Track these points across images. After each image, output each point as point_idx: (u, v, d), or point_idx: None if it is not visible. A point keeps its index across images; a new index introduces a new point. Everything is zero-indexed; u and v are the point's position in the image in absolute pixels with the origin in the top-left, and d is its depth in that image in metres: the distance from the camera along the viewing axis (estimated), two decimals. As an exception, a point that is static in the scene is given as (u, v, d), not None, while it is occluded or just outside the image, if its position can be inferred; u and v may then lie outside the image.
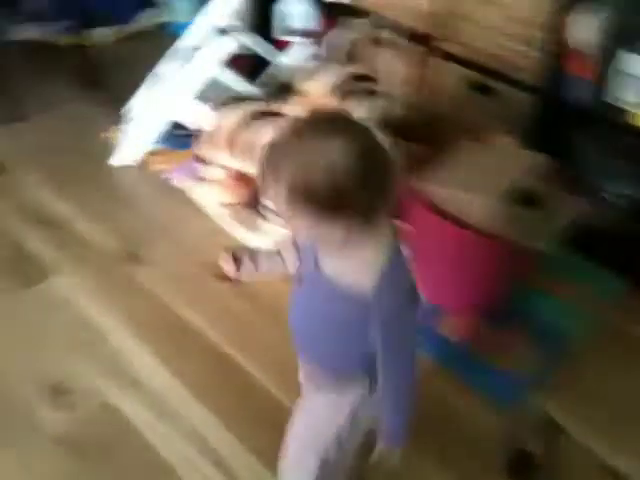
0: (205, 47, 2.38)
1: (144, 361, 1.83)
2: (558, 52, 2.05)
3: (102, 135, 2.63)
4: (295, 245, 1.18)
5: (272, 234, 2.11)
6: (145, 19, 3.39)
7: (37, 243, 2.18)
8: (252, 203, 2.21)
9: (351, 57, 2.39)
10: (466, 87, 2.27)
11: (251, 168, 2.09)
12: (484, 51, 2.19)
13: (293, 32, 2.65)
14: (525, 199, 1.77)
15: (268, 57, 2.55)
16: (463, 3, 2.20)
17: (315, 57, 2.48)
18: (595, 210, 1.96)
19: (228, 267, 1.24)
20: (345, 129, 0.94)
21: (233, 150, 2.11)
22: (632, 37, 1.88)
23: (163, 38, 2.88)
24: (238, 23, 2.53)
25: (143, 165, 2.53)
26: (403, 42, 2.29)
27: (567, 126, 2.11)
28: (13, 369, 1.79)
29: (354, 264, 1.03)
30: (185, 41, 2.54)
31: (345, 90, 2.02)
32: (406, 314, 1.06)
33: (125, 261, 2.14)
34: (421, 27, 2.29)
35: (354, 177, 0.90)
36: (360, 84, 2.04)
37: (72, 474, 1.57)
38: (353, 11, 2.46)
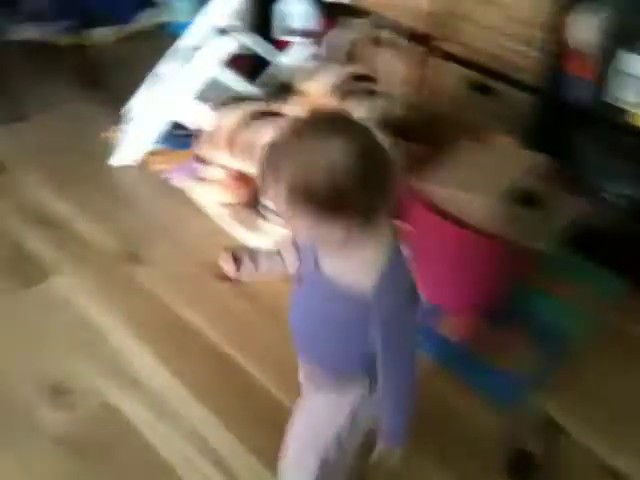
0: (205, 47, 2.38)
1: (144, 361, 1.83)
2: (558, 52, 2.05)
3: (102, 135, 2.63)
4: (295, 245, 1.18)
5: (272, 234, 2.11)
6: (145, 19, 3.39)
7: (37, 243, 2.18)
8: (252, 203, 2.20)
9: (351, 57, 2.39)
10: (466, 87, 2.27)
11: (251, 168, 2.09)
12: (484, 51, 2.19)
13: (293, 32, 2.65)
14: (525, 199, 1.77)
15: (268, 57, 2.55)
16: (463, 3, 2.20)
17: (315, 57, 2.47)
18: (595, 210, 1.96)
19: (228, 267, 1.24)
20: (345, 129, 0.94)
21: (233, 150, 2.11)
22: (632, 37, 1.88)
23: (163, 38, 2.88)
24: (238, 23, 2.53)
25: (143, 165, 2.53)
26: (403, 42, 2.29)
27: (567, 126, 2.11)
28: (13, 369, 1.79)
29: (354, 264, 1.03)
30: (185, 41, 2.54)
31: (345, 90, 2.02)
32: (406, 314, 1.06)
33: (125, 261, 2.14)
34: (421, 27, 2.29)
35: (354, 177, 0.90)
36: (360, 84, 2.04)
37: (72, 474, 1.57)
38: (353, 11, 2.46)
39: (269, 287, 1.92)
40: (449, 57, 2.27)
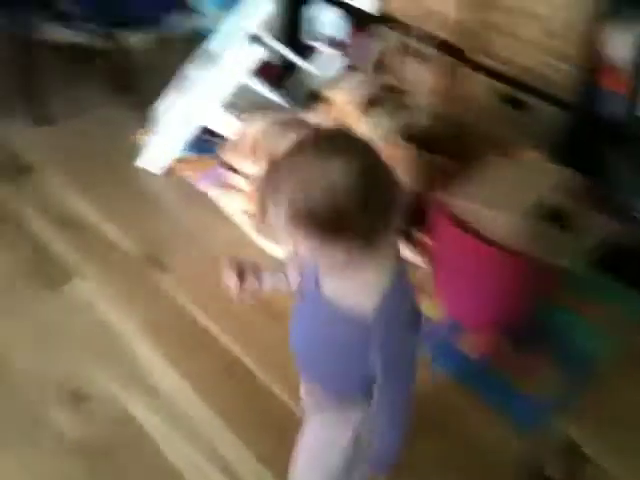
0: (234, 53, 2.38)
1: (161, 368, 1.82)
2: (592, 66, 2.00)
3: (132, 139, 2.64)
4: (296, 262, 1.16)
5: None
6: (178, 23, 3.40)
7: (61, 245, 2.19)
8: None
9: (379, 66, 2.37)
10: (497, 100, 2.23)
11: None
12: (516, 63, 2.15)
13: (322, 40, 2.64)
14: (552, 216, 1.72)
15: (296, 65, 2.54)
16: (495, 14, 2.16)
17: (343, 66, 2.46)
18: (625, 229, 1.90)
19: (231, 283, 1.23)
20: (346, 148, 0.91)
21: (257, 158, 2.10)
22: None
23: (196, 43, 2.87)
24: (267, 29, 2.53)
25: (170, 170, 2.53)
26: (432, 52, 2.26)
27: (599, 142, 2.06)
28: (30, 370, 1.79)
29: (355, 286, 1.01)
30: (214, 46, 2.54)
31: (371, 100, 2.00)
32: (406, 337, 1.05)
33: (148, 267, 2.14)
34: (451, 37, 2.25)
35: (355, 198, 0.87)
36: (386, 95, 2.02)
37: (78, 478, 1.57)
38: (382, 20, 2.43)
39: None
40: (479, 68, 2.23)
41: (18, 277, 2.07)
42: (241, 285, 1.22)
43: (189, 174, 2.50)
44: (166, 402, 1.74)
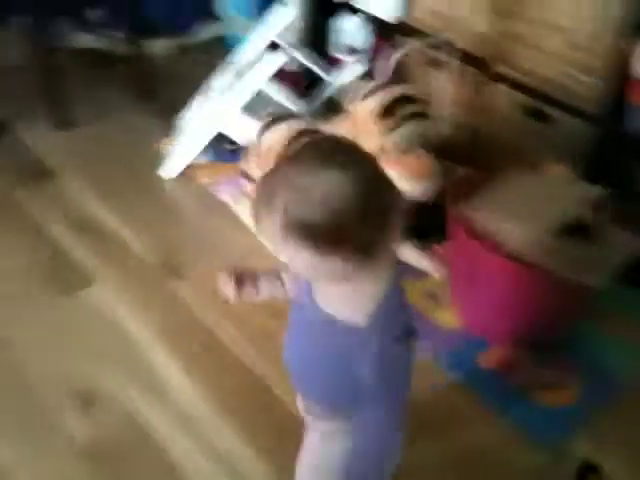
0: (258, 62, 2.38)
1: (178, 377, 1.81)
2: (620, 80, 1.97)
3: (155, 147, 2.64)
4: (290, 272, 1.16)
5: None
6: (204, 31, 3.42)
7: (80, 251, 2.19)
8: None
9: (402, 77, 2.35)
10: (520, 112, 2.20)
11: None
12: (541, 76, 2.13)
13: (347, 50, 2.63)
14: (576, 231, 1.70)
15: (320, 74, 2.53)
16: (520, 25, 2.14)
17: (367, 76, 2.45)
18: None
19: (227, 290, 1.22)
20: (345, 158, 0.89)
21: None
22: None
23: (221, 51, 2.89)
24: (292, 38, 2.53)
25: (191, 178, 2.53)
26: (456, 63, 2.24)
27: (626, 157, 2.03)
28: (44, 375, 1.79)
29: (350, 297, 0.99)
30: (239, 55, 2.54)
31: (392, 110, 1.98)
32: (401, 350, 1.05)
33: (166, 274, 2.13)
34: (475, 48, 2.24)
35: (353, 210, 0.85)
36: (408, 104, 2.00)
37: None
38: (407, 31, 2.42)
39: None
40: (503, 80, 2.21)
41: (35, 282, 2.07)
42: (239, 294, 1.21)
43: (209, 182, 2.50)
44: (180, 410, 1.72)
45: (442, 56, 2.27)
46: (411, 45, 2.29)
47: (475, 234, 1.72)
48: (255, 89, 2.37)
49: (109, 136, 2.72)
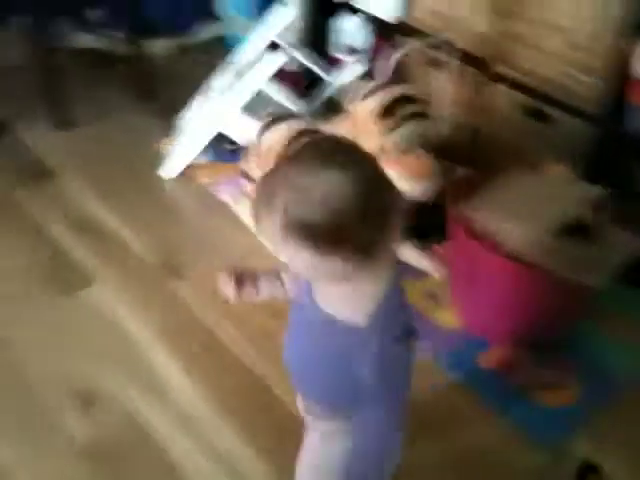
0: (258, 62, 2.38)
1: (178, 377, 1.81)
2: (620, 80, 1.97)
3: (155, 147, 2.64)
4: (290, 272, 1.16)
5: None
6: (204, 32, 3.42)
7: (80, 251, 2.19)
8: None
9: (402, 77, 2.35)
10: (520, 112, 2.20)
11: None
12: (541, 76, 2.13)
13: (347, 50, 2.63)
14: (576, 231, 1.69)
15: (320, 74, 2.53)
16: (520, 26, 2.14)
17: (367, 76, 2.45)
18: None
19: (227, 290, 1.22)
20: (345, 158, 0.89)
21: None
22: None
23: (222, 51, 2.89)
24: (292, 38, 2.52)
25: (191, 178, 2.53)
26: (456, 63, 2.24)
27: (626, 157, 2.02)
28: (44, 375, 1.79)
29: (351, 297, 0.99)
30: (239, 55, 2.54)
31: (392, 110, 1.98)
32: (401, 350, 1.05)
33: (166, 275, 2.13)
34: (475, 48, 2.24)
35: (353, 209, 0.85)
36: (408, 104, 2.00)
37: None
38: (406, 30, 2.42)
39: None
40: (503, 80, 2.21)
41: (35, 282, 2.07)
42: (239, 294, 1.22)
43: (209, 182, 2.50)
44: (180, 410, 1.72)
45: (442, 56, 2.27)
46: (411, 45, 2.29)
47: (475, 234, 1.72)
48: (255, 89, 2.37)
49: (109, 136, 2.72)
